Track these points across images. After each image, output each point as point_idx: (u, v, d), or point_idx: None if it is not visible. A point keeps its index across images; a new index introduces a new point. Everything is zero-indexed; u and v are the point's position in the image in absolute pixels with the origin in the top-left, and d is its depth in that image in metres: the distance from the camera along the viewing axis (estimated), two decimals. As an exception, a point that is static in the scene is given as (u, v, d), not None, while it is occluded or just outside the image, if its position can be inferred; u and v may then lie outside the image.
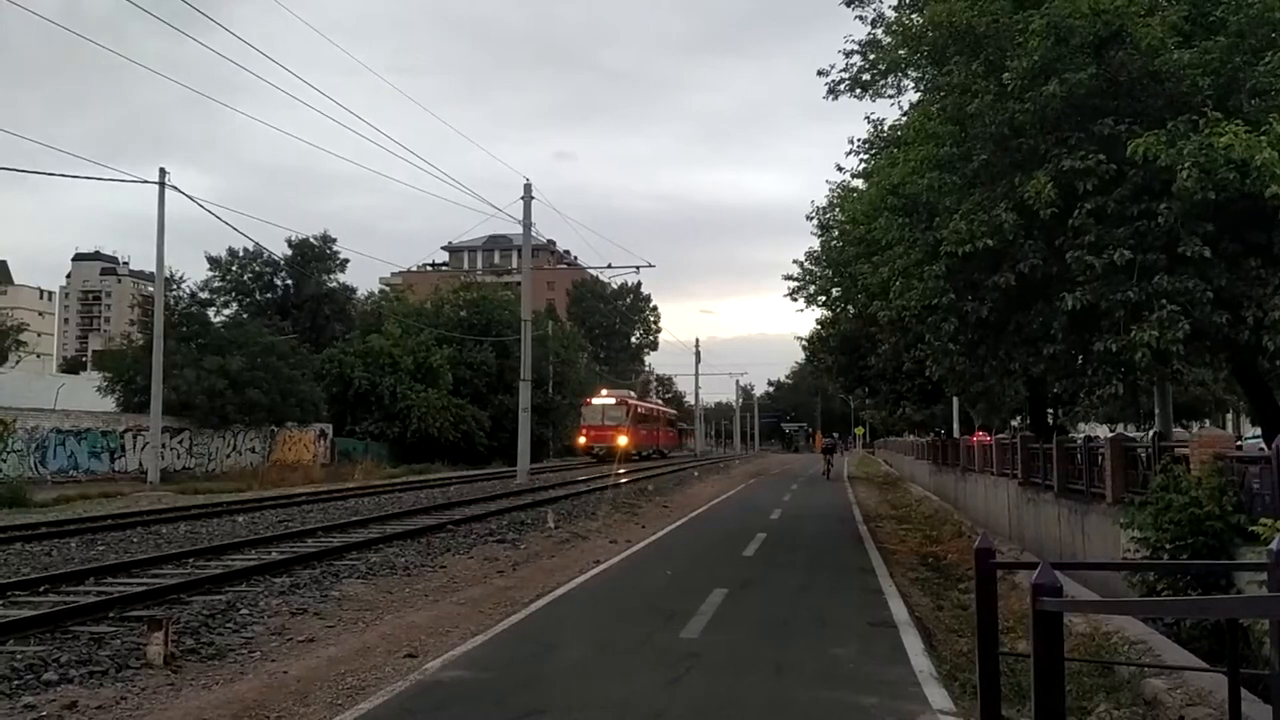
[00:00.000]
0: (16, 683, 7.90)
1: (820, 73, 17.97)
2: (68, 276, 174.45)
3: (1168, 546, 11.03)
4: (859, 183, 23.56)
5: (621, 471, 42.41)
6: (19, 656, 8.60)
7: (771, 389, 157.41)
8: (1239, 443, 18.22)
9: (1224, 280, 12.09)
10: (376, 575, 13.84)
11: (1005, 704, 4.95)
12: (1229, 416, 54.12)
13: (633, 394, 72.15)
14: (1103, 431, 35.71)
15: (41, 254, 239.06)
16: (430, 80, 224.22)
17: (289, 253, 55.73)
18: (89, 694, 7.66)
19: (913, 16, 15.71)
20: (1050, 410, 30.19)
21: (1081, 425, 43.89)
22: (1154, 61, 12.30)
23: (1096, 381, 13.39)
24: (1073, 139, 12.68)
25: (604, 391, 65.37)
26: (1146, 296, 11.97)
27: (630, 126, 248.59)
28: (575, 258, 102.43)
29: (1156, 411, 19.40)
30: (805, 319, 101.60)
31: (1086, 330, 13.25)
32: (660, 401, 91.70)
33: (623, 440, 57.98)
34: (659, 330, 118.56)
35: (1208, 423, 49.45)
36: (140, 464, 36.31)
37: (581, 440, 61.50)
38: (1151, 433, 18.02)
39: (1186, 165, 11.14)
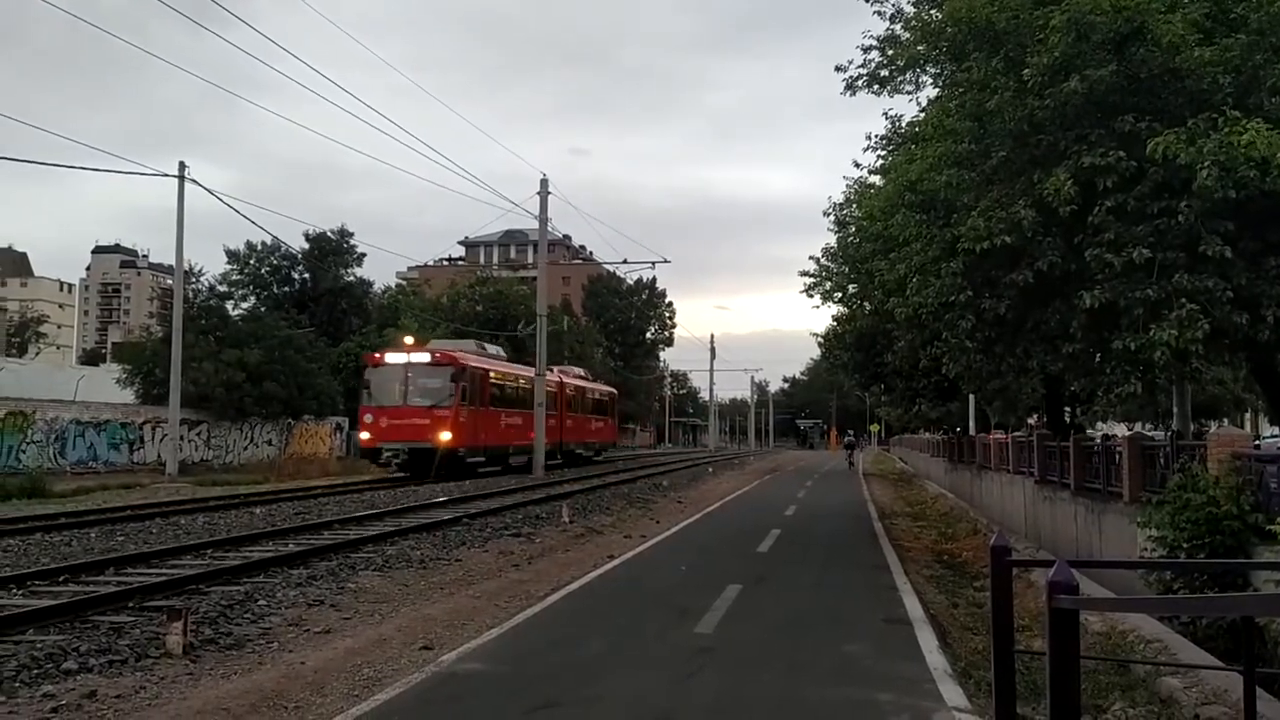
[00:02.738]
0: (36, 671, 7.97)
1: (838, 68, 17.91)
2: (88, 269, 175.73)
3: (1185, 545, 10.99)
4: (876, 179, 23.51)
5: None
6: (39, 646, 8.68)
7: (786, 385, 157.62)
8: (1257, 442, 18.12)
9: (1244, 279, 12.03)
10: (392, 568, 13.91)
11: (1020, 701, 4.95)
12: (1247, 416, 53.81)
13: (485, 346, 43.70)
14: (1120, 430, 35.53)
15: (62, 247, 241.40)
16: (447, 76, 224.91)
17: (306, 247, 55.96)
18: (108, 683, 7.73)
19: (932, 12, 15.65)
20: (1068, 408, 30.06)
21: (1099, 424, 43.72)
22: (1175, 59, 12.24)
23: (1115, 380, 13.34)
24: (1093, 136, 12.62)
25: (408, 341, 37.94)
26: (1166, 295, 11.92)
27: (645, 123, 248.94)
28: (591, 253, 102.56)
29: (1175, 410, 19.31)
30: (821, 315, 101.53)
31: (1105, 328, 13.19)
32: (586, 374, 56.66)
33: (445, 435, 32.77)
34: (674, 326, 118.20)
35: (1226, 422, 49.17)
36: (159, 456, 36.60)
37: (364, 435, 34.45)
38: (1169, 432, 17.95)
39: (1207, 163, 11.08)
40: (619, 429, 68.73)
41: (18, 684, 7.64)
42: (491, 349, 43.99)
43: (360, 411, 35.57)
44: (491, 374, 38.42)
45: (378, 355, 36.44)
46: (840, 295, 30.91)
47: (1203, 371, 16.47)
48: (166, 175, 33.55)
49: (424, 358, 34.77)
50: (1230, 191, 11.20)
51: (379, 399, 34.26)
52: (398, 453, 33.35)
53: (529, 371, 40.43)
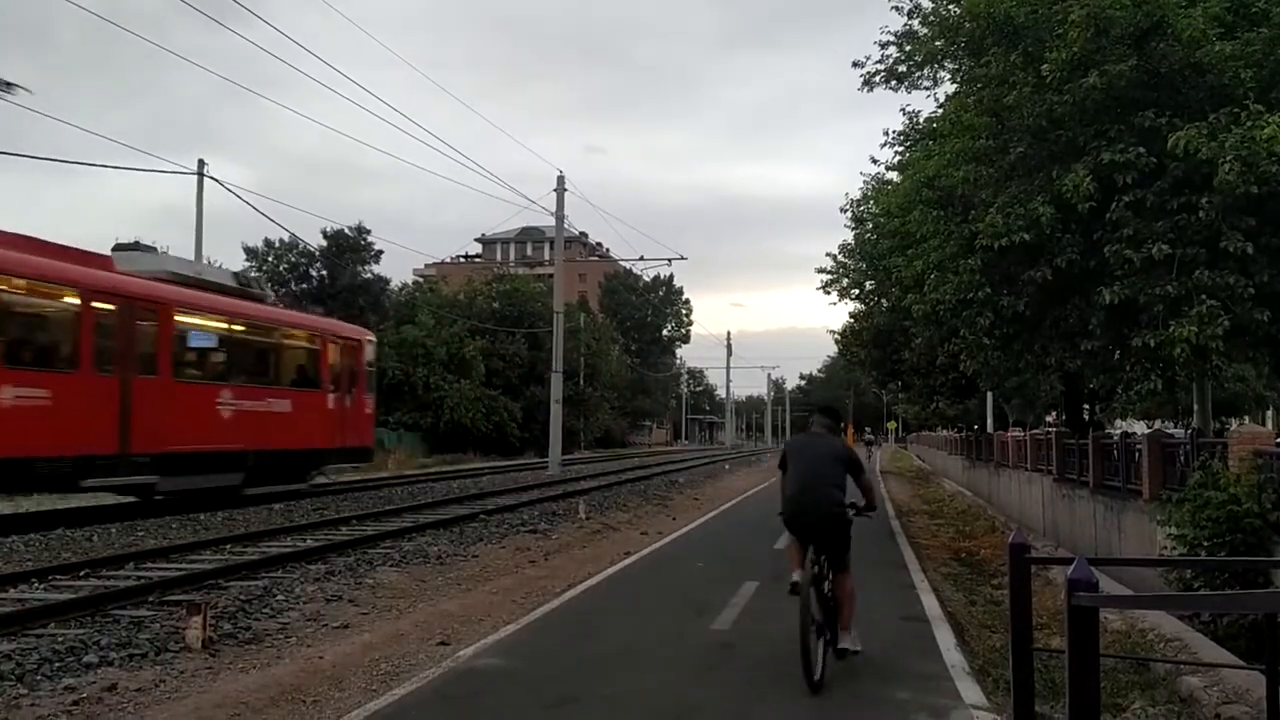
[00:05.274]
0: (58, 665, 8.02)
1: (855, 64, 17.93)
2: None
3: (1205, 544, 10.92)
4: (893, 175, 23.50)
5: None
6: (60, 639, 8.74)
7: (803, 383, 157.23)
8: (1279, 439, 17.97)
9: (1265, 275, 11.95)
10: (410, 563, 13.95)
11: (1039, 700, 4.93)
12: (1269, 413, 53.41)
13: None
14: (1140, 428, 35.33)
15: (82, 243, 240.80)
16: (464, 74, 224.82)
17: (324, 243, 56.18)
18: (129, 676, 7.78)
19: (950, 7, 15.61)
20: (1087, 406, 29.92)
21: (1118, 421, 43.52)
22: (1195, 53, 12.16)
23: (1134, 377, 13.31)
24: (1112, 131, 12.56)
25: None
26: (1186, 291, 11.85)
27: (662, 120, 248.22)
28: (607, 250, 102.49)
29: (1195, 408, 19.18)
30: (838, 312, 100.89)
31: (1125, 325, 13.13)
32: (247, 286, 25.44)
33: None
34: (691, 323, 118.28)
35: (1247, 419, 48.81)
36: (178, 452, 36.68)
37: None
38: (1189, 429, 17.82)
39: (1228, 158, 11.01)
40: (639, 427, 66.47)
41: (39, 677, 7.70)
42: None
43: None
44: None
45: None
46: (858, 292, 30.90)
47: (1223, 368, 16.33)
48: (186, 172, 33.71)
49: None
50: (1252, 187, 11.12)
51: None
52: None
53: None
